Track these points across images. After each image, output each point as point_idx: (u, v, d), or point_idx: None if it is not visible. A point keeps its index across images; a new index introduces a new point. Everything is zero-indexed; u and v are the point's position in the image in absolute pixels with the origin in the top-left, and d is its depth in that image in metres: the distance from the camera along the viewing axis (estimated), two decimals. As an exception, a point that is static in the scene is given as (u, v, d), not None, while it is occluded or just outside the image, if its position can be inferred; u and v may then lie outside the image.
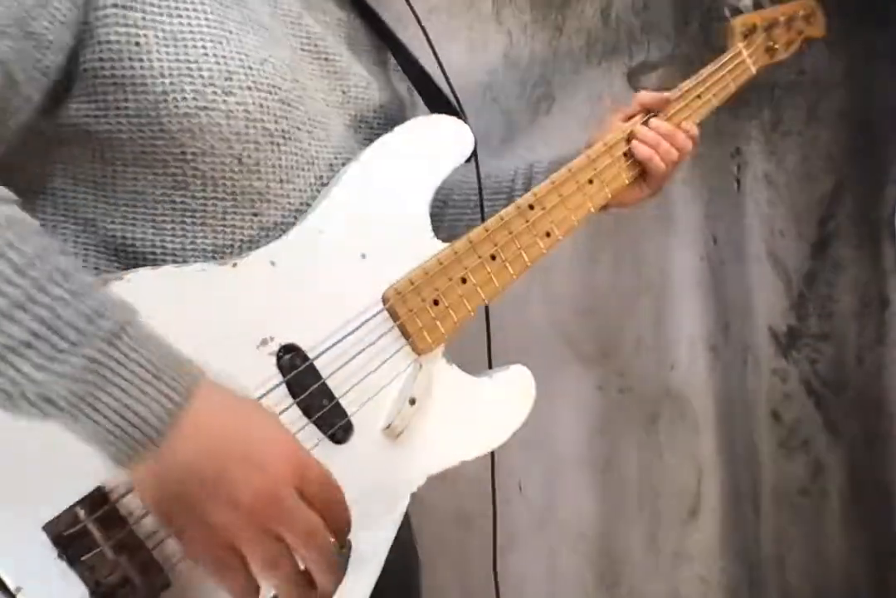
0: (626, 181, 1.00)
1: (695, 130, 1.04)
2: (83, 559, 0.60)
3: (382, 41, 0.94)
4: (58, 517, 0.59)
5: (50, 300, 0.55)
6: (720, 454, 1.89)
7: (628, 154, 1.00)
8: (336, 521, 0.62)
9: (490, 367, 0.91)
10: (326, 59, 0.84)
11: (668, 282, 1.80)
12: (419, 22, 0.92)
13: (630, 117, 1.03)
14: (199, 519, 0.58)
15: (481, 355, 0.94)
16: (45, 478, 0.60)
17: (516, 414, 0.89)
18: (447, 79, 0.91)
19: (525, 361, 0.95)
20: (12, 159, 0.69)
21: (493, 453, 0.94)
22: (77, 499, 0.60)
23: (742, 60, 1.15)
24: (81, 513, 0.60)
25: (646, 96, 1.03)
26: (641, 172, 1.01)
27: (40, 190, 0.72)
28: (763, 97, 1.84)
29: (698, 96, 1.08)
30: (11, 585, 0.58)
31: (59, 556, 0.59)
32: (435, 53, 0.92)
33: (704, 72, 1.10)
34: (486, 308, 0.91)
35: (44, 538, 0.59)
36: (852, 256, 1.98)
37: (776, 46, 1.20)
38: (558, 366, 1.65)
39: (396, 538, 0.80)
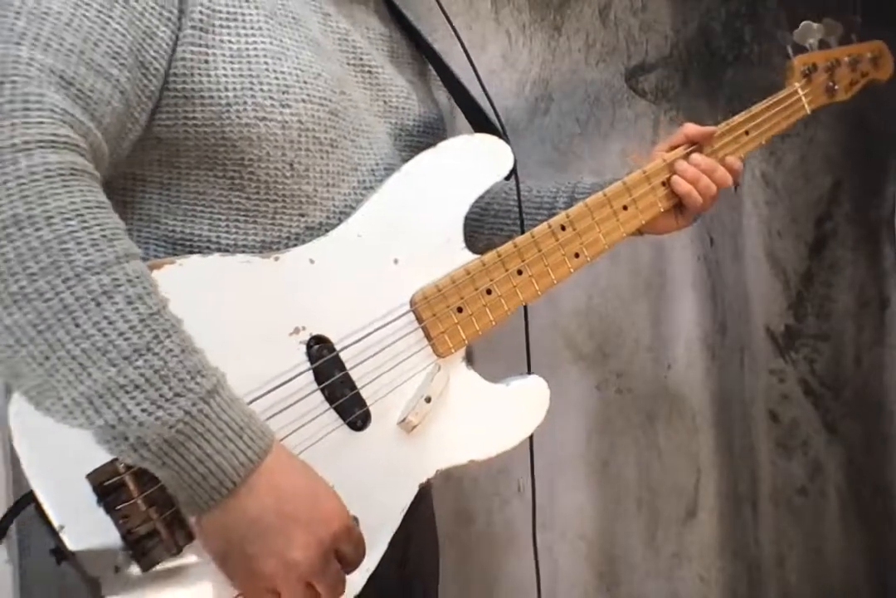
0: (661, 210, 1.01)
1: (739, 165, 1.05)
2: (118, 508, 0.66)
3: (422, 54, 1.00)
4: (100, 469, 0.66)
5: (164, 352, 0.63)
6: (718, 454, 1.89)
7: (666, 184, 1.01)
8: (353, 570, 0.72)
9: (529, 370, 0.96)
10: (370, 73, 0.90)
11: (666, 282, 1.80)
12: (459, 39, 0.98)
13: (674, 147, 1.04)
14: (251, 567, 0.66)
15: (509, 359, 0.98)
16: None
17: (528, 422, 0.92)
18: (486, 93, 0.97)
19: (523, 360, 0.98)
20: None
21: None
22: None
23: (797, 99, 1.13)
24: (120, 467, 0.67)
25: (691, 129, 1.03)
26: (678, 203, 1.02)
27: (110, 188, 0.76)
28: (761, 97, 1.85)
29: (746, 132, 1.07)
30: (56, 523, 0.66)
31: (98, 503, 0.66)
32: (476, 72, 0.97)
33: (756, 108, 1.09)
34: (525, 312, 0.95)
35: (87, 487, 0.66)
36: (850, 257, 1.98)
37: (836, 87, 1.18)
38: (557, 366, 1.65)
39: (420, 520, 0.87)
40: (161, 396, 0.62)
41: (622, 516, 1.77)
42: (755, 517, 1.95)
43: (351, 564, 0.71)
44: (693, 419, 1.85)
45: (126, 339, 0.61)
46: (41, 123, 0.63)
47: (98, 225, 0.63)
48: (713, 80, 1.82)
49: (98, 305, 0.61)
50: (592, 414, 1.72)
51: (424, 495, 0.98)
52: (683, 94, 1.78)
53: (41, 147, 0.62)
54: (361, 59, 0.90)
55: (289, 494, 0.68)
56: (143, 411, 0.61)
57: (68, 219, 0.62)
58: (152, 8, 0.72)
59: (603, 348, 1.73)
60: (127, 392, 0.61)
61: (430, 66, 1.00)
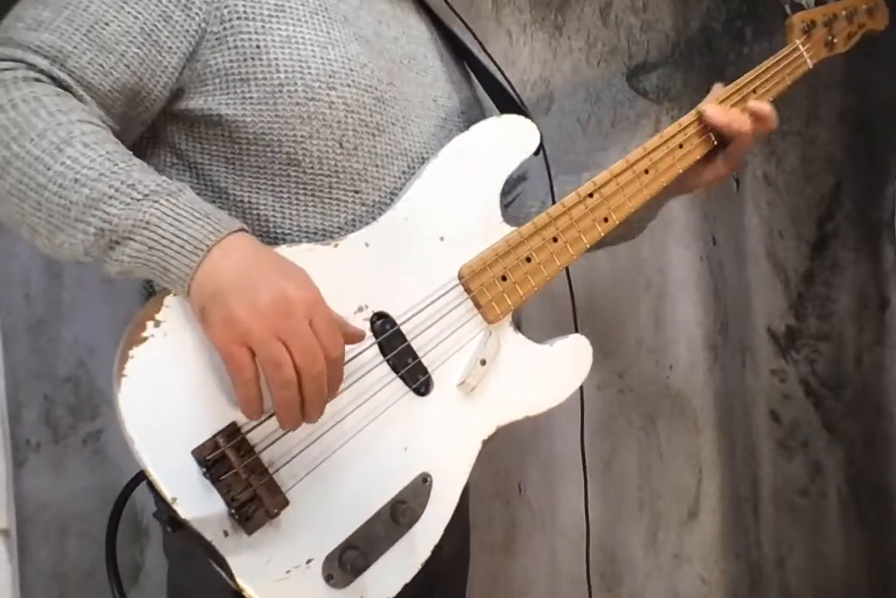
0: (698, 157, 1.07)
1: (761, 106, 1.09)
2: (221, 478, 0.74)
3: (461, 56, 1.10)
4: (203, 444, 0.74)
5: (128, 169, 0.74)
6: (719, 455, 1.88)
7: (701, 132, 1.07)
8: (331, 351, 0.74)
9: (576, 330, 1.03)
10: (417, 74, 1.00)
11: (668, 282, 1.80)
12: (481, 45, 1.09)
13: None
14: (224, 316, 0.71)
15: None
16: (192, 415, 0.75)
17: (574, 378, 1.00)
18: (509, 82, 1.06)
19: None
20: (165, 140, 0.90)
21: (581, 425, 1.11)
22: (217, 431, 0.75)
23: (799, 55, 1.18)
24: (221, 441, 0.75)
25: (721, 89, 1.12)
26: (712, 150, 1.08)
27: (185, 164, 0.90)
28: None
29: (753, 91, 1.12)
30: (169, 496, 0.72)
31: (204, 475, 0.74)
32: (496, 64, 1.09)
33: (761, 67, 1.13)
34: (569, 276, 1.04)
35: (192, 462, 0.74)
36: (851, 257, 1.98)
37: (835, 40, 1.22)
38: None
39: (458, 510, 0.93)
40: (132, 198, 0.73)
41: (623, 516, 1.77)
42: (756, 518, 1.95)
43: (325, 338, 0.73)
44: (694, 420, 1.85)
45: (91, 168, 0.74)
46: (22, 57, 0.78)
47: (55, 103, 0.76)
48: (714, 79, 1.80)
49: (60, 150, 0.74)
50: (594, 415, 1.72)
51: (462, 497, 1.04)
52: (685, 94, 1.78)
53: (13, 69, 0.77)
54: (409, 61, 0.99)
55: (261, 258, 0.75)
56: (121, 210, 0.72)
57: (27, 102, 0.75)
58: None
59: (604, 348, 1.73)
60: (104, 202, 0.73)
61: (468, 67, 1.10)
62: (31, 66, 0.78)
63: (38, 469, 1.26)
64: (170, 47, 0.84)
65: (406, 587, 0.85)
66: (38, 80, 0.78)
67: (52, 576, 1.26)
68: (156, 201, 0.73)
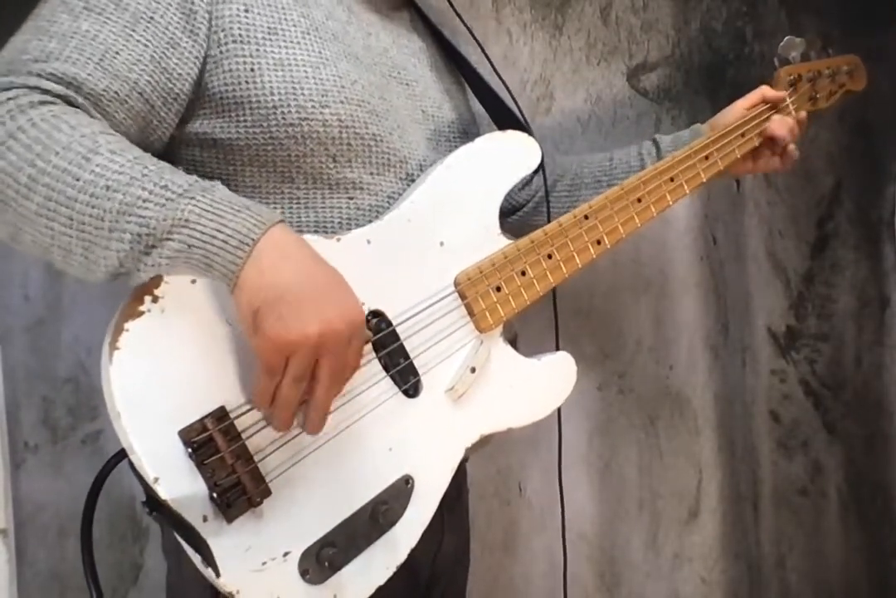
0: (687, 191, 1.13)
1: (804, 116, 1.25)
2: (206, 462, 0.73)
3: (456, 66, 1.10)
4: (190, 426, 0.73)
5: (158, 172, 0.73)
6: (720, 455, 1.88)
7: (690, 167, 1.14)
8: (351, 373, 0.78)
9: (557, 348, 1.06)
10: (407, 85, 1.00)
11: (668, 282, 1.80)
12: (483, 51, 1.10)
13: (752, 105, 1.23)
14: (279, 325, 0.71)
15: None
16: (182, 395, 0.74)
17: (558, 394, 1.02)
18: (512, 97, 1.07)
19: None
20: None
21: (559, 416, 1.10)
22: (206, 413, 0.74)
23: (785, 106, 1.26)
24: (209, 424, 0.74)
25: (769, 91, 1.23)
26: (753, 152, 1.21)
27: None
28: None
29: (742, 134, 1.20)
30: (151, 475, 0.71)
31: (189, 456, 0.73)
32: (500, 77, 1.09)
33: (749, 114, 1.21)
34: (554, 297, 1.05)
35: (179, 443, 0.73)
36: (851, 257, 1.98)
37: (818, 96, 1.31)
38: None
39: (456, 513, 0.96)
40: (167, 199, 0.72)
41: (623, 516, 1.77)
42: (756, 518, 1.95)
43: (354, 359, 0.77)
44: (695, 420, 1.85)
45: (121, 173, 0.72)
46: (36, 84, 0.76)
47: (75, 118, 0.75)
48: (715, 79, 1.81)
49: (88, 160, 0.72)
50: (594, 415, 1.72)
51: (462, 490, 1.10)
52: (685, 94, 1.78)
53: (28, 94, 0.75)
54: (399, 73, 1.00)
55: (316, 267, 0.76)
56: (156, 211, 0.71)
57: (46, 120, 0.73)
58: (177, 22, 0.83)
59: (604, 348, 1.73)
60: (138, 207, 0.71)
61: (462, 76, 1.11)
62: (46, 92, 0.77)
63: (37, 470, 1.26)
64: (179, 74, 0.84)
65: (406, 587, 0.85)
66: (54, 103, 0.76)
67: (50, 577, 1.26)
68: (192, 198, 0.72)
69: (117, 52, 0.80)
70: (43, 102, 0.75)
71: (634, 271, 1.75)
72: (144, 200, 0.71)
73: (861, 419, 2.00)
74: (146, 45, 0.81)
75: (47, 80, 0.77)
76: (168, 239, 0.71)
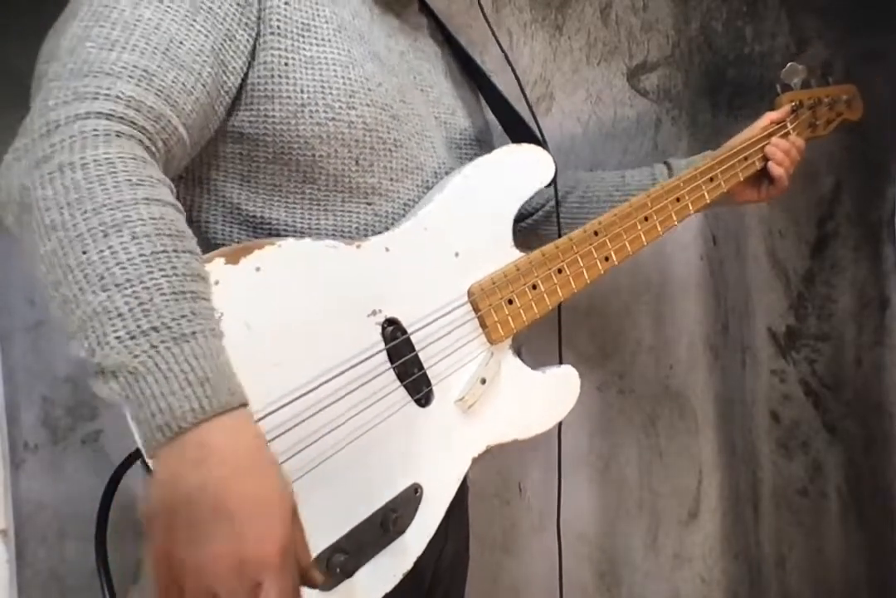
0: (691, 211, 1.17)
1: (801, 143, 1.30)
2: None
3: (469, 73, 1.10)
4: None
5: (154, 289, 0.65)
6: (720, 455, 1.88)
7: (695, 189, 1.17)
8: None
9: (560, 362, 1.08)
10: (422, 90, 1.00)
11: (668, 282, 1.80)
12: (508, 60, 1.10)
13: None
14: (166, 541, 0.63)
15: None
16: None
17: (561, 407, 1.04)
18: (530, 108, 1.08)
19: (524, 361, 1.01)
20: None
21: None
22: None
23: (786, 131, 1.30)
24: None
25: (774, 114, 1.29)
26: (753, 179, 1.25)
27: (197, 179, 0.88)
28: (762, 96, 1.84)
29: (745, 158, 1.24)
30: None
31: None
32: (521, 86, 1.10)
33: (753, 138, 1.25)
34: (559, 312, 1.06)
35: None
36: (851, 257, 1.98)
37: (818, 123, 1.36)
38: (558, 366, 1.64)
39: (456, 522, 0.95)
40: (138, 327, 0.64)
41: (623, 516, 1.77)
42: (756, 518, 1.95)
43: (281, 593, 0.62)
44: (694, 420, 1.85)
45: (122, 268, 0.65)
46: (105, 102, 0.72)
47: (125, 171, 0.69)
48: (715, 79, 1.81)
49: (105, 236, 0.66)
50: (594, 415, 1.72)
51: (462, 498, 1.09)
52: (685, 94, 1.78)
53: (97, 118, 0.70)
54: (415, 77, 1.00)
55: (241, 472, 0.63)
56: (117, 338, 0.64)
57: (100, 165, 0.68)
58: (233, 14, 0.82)
59: (604, 348, 1.73)
60: (110, 318, 0.64)
61: (476, 85, 1.11)
62: (112, 112, 0.71)
63: (37, 471, 1.26)
64: (233, 68, 0.82)
65: (411, 591, 0.85)
66: (119, 134, 0.71)
67: (50, 577, 1.26)
68: (154, 346, 0.64)
69: (181, 42, 0.78)
70: (107, 134, 0.70)
71: (634, 271, 1.75)
72: (113, 318, 0.64)
73: (861, 420, 2.00)
74: (207, 36, 0.80)
75: (117, 77, 0.73)
76: (114, 376, 0.64)
